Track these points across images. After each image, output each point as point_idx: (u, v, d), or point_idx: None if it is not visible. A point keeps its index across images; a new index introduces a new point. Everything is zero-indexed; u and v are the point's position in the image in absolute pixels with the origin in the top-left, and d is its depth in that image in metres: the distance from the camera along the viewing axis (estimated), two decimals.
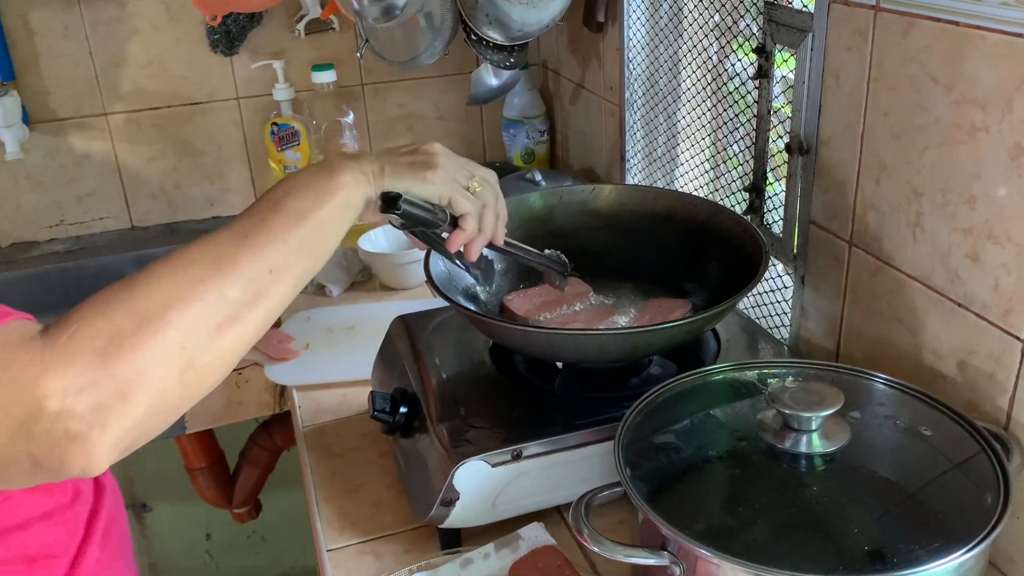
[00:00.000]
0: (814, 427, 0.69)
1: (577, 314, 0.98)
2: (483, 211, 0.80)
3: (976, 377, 0.78)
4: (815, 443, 0.69)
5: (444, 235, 0.81)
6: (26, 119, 1.56)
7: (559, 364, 0.95)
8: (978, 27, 0.71)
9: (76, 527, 0.79)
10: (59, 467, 0.54)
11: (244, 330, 0.63)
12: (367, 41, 1.35)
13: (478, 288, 1.01)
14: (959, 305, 0.79)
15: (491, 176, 0.83)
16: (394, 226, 0.78)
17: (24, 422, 0.53)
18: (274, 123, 1.60)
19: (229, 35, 1.63)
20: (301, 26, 1.64)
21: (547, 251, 0.95)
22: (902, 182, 0.83)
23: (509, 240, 0.87)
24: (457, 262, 0.93)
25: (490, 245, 0.84)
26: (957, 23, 0.73)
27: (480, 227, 0.80)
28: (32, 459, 0.54)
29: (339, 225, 0.71)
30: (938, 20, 0.75)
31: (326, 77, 1.55)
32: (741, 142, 1.11)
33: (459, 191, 0.78)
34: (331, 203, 0.70)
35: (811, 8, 0.91)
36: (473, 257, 0.83)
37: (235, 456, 1.74)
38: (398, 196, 0.73)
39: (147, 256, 1.63)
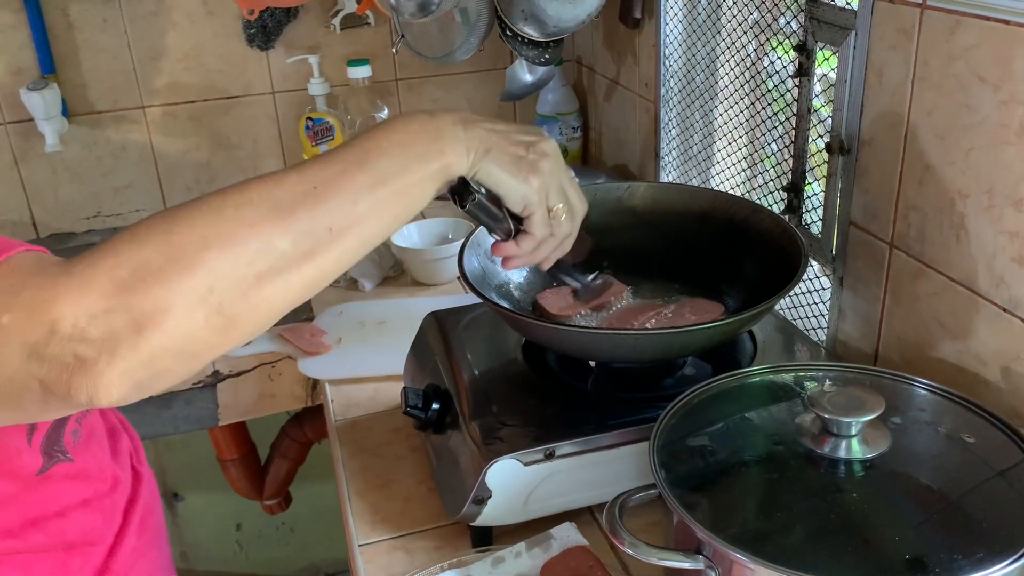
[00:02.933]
0: (854, 432, 0.68)
1: (612, 313, 0.98)
2: (544, 243, 0.75)
3: (1021, 384, 0.77)
4: (855, 448, 0.68)
5: (494, 237, 0.77)
6: (65, 111, 1.58)
7: (592, 363, 0.94)
8: None
9: (113, 515, 0.80)
10: (66, 393, 0.52)
11: (287, 286, 0.58)
12: (403, 36, 1.36)
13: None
14: (1004, 310, 0.77)
15: (581, 208, 0.76)
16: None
17: (35, 345, 0.51)
18: (309, 118, 1.61)
19: (265, 29, 1.64)
20: (337, 21, 1.65)
21: (592, 277, 0.91)
22: (946, 183, 0.81)
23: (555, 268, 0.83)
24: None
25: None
26: (1007, 22, 0.71)
27: (535, 252, 0.76)
28: (43, 385, 0.52)
29: (423, 195, 0.66)
30: (987, 19, 0.73)
31: (362, 72, 1.56)
32: (779, 141, 1.09)
33: (543, 210, 0.72)
34: (422, 172, 0.64)
35: (854, 6, 0.89)
36: (508, 268, 0.78)
37: (266, 448, 1.76)
38: (471, 194, 0.68)
39: None
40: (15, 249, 0.55)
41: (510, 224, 0.74)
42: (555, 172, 0.72)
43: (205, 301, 0.54)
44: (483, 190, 0.71)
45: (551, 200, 0.73)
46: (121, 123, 1.65)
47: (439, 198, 0.71)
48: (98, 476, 0.79)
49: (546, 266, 0.80)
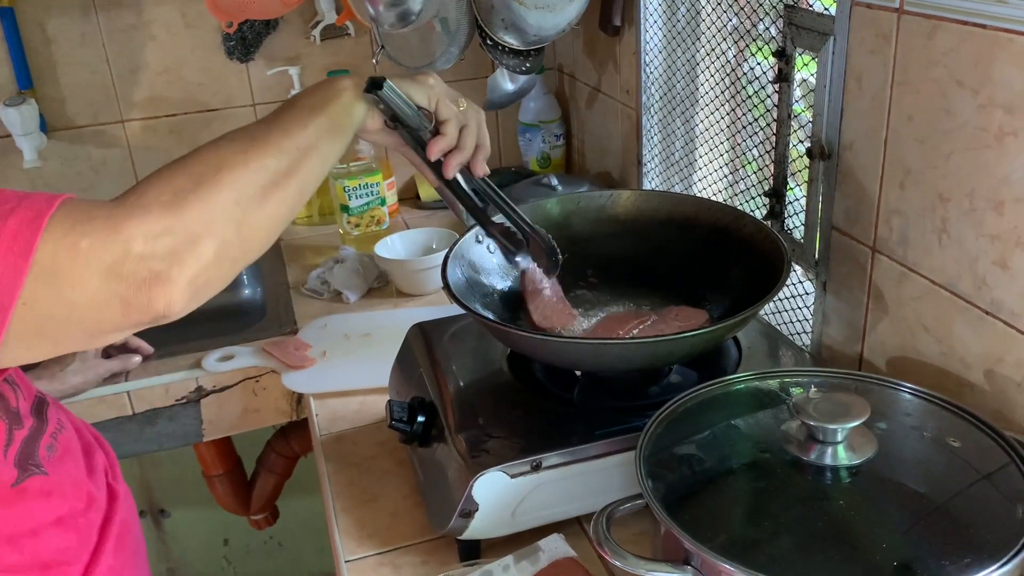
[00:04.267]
0: (840, 439, 0.68)
1: (598, 321, 0.97)
2: (464, 129, 0.85)
3: (1005, 386, 0.77)
4: (841, 455, 0.68)
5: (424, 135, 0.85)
6: (43, 127, 1.57)
7: (578, 372, 0.94)
8: (1006, 30, 0.70)
9: (89, 534, 0.79)
10: (146, 304, 0.61)
11: (284, 196, 0.71)
12: (383, 47, 1.35)
13: (519, 259, 0.98)
14: (987, 313, 0.77)
15: (480, 110, 0.89)
16: (388, 126, 0.84)
17: (113, 265, 0.60)
18: None
19: (245, 41, 1.63)
20: (317, 32, 1.64)
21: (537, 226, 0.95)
22: (927, 187, 0.81)
23: (491, 184, 0.91)
24: (504, 244, 0.96)
25: (470, 176, 0.89)
26: (984, 26, 0.71)
27: (460, 142, 0.85)
28: (123, 300, 0.60)
29: (348, 120, 0.79)
30: (964, 23, 0.73)
31: None
32: (760, 146, 1.09)
33: (445, 100, 0.85)
34: (339, 101, 0.78)
35: (832, 11, 0.90)
36: (449, 173, 0.86)
37: (252, 463, 1.74)
38: (383, 79, 0.79)
39: None
40: (62, 195, 0.62)
41: (429, 117, 0.84)
42: (441, 83, 0.86)
43: (233, 213, 0.66)
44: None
45: (451, 96, 0.86)
46: (101, 138, 1.64)
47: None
48: (73, 494, 0.78)
49: (477, 168, 0.88)
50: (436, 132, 0.85)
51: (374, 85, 0.80)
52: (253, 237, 0.69)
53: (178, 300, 0.62)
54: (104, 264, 0.59)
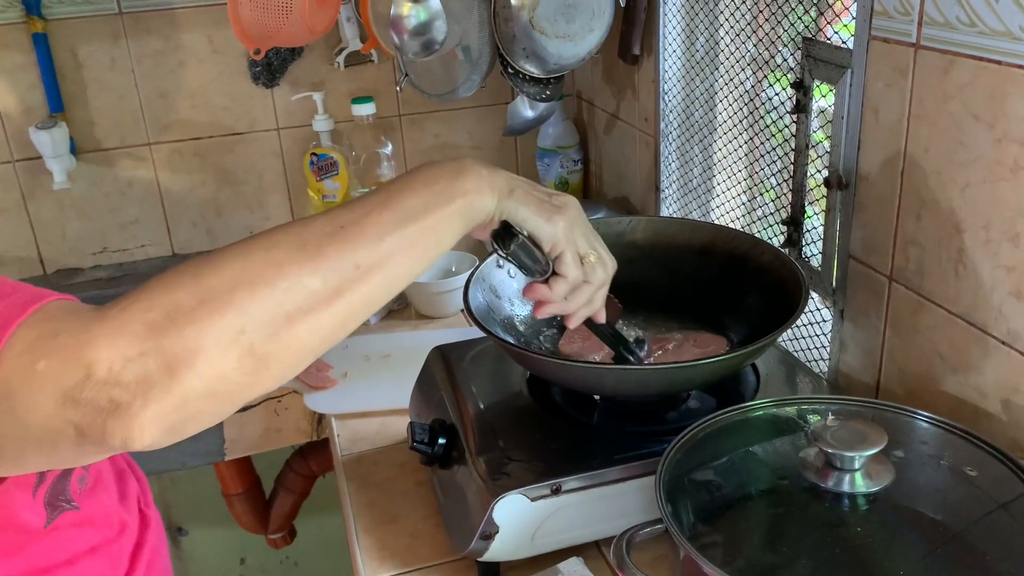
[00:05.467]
0: (857, 466, 0.69)
1: None
2: (581, 286, 0.75)
3: (1021, 416, 0.78)
4: (858, 482, 0.69)
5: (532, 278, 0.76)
6: (73, 149, 1.60)
7: (597, 397, 0.95)
8: (1020, 66, 0.71)
9: (120, 561, 0.79)
10: (101, 437, 0.52)
11: (318, 325, 0.58)
12: (407, 75, 1.38)
13: None
14: (1003, 343, 0.78)
15: (611, 261, 0.77)
16: (499, 255, 0.74)
17: (71, 389, 0.51)
18: (313, 153, 1.63)
19: (270, 67, 1.66)
20: (341, 59, 1.67)
21: (633, 340, 0.90)
22: (943, 218, 0.82)
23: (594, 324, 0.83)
24: None
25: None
26: (999, 62, 0.73)
27: (568, 299, 0.75)
28: (77, 430, 0.52)
29: (450, 232, 0.66)
30: (979, 59, 0.75)
31: (366, 110, 1.58)
32: (778, 175, 1.11)
33: (573, 251, 0.73)
34: (447, 209, 0.65)
35: (850, 44, 0.91)
36: (540, 316, 0.78)
37: (271, 482, 1.76)
38: (516, 235, 0.70)
39: None
40: (47, 298, 0.55)
41: (549, 266, 0.74)
42: (579, 220, 0.74)
43: (236, 342, 0.54)
44: (525, 232, 0.71)
45: (580, 247, 0.74)
46: (128, 160, 1.67)
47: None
48: (105, 522, 0.78)
49: (573, 323, 0.79)
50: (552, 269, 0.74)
51: (504, 239, 0.70)
52: (260, 369, 0.56)
53: (139, 436, 0.52)
54: (61, 389, 0.51)
